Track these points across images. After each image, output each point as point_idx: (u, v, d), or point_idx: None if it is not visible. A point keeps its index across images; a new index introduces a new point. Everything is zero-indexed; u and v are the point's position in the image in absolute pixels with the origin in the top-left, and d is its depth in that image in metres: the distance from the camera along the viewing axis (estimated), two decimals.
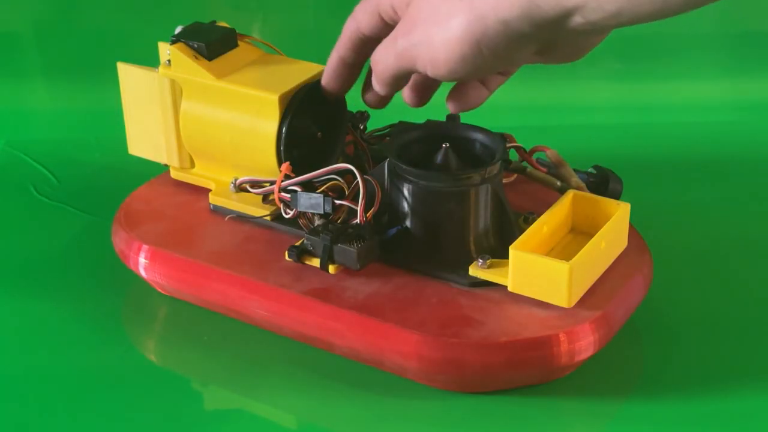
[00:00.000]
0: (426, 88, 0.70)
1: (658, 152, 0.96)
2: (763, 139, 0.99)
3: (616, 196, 0.75)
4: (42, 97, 1.02)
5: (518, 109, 1.00)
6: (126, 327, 0.76)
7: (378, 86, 0.67)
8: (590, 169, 0.77)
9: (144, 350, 0.75)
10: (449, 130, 0.73)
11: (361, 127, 0.80)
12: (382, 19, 0.67)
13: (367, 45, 0.69)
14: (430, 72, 0.62)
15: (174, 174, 0.81)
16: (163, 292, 0.77)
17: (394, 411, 0.67)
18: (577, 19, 0.57)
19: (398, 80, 0.66)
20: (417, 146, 0.72)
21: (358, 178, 0.69)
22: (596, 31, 0.59)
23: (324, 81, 0.72)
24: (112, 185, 0.87)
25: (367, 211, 0.69)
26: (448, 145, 0.70)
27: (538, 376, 0.67)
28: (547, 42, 0.61)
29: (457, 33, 0.59)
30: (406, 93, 0.70)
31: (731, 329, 0.74)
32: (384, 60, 0.65)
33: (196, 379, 0.72)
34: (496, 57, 0.60)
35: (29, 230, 0.87)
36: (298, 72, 0.75)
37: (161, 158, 0.81)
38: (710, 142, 0.98)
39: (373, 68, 0.67)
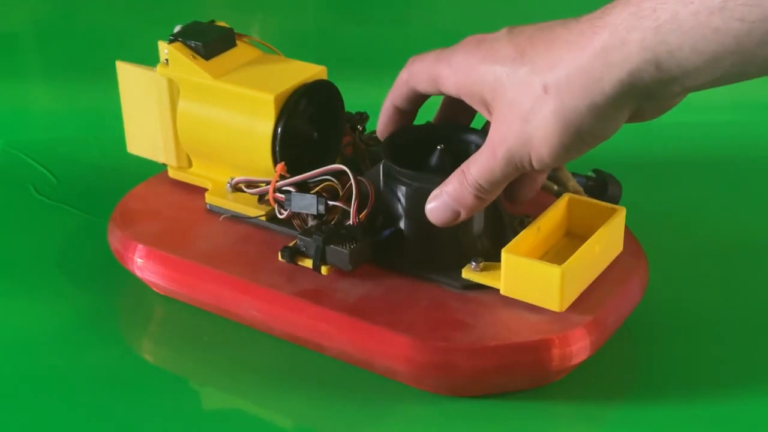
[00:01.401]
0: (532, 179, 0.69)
1: (658, 152, 0.96)
2: (763, 139, 0.98)
3: (615, 200, 0.75)
4: (42, 97, 1.03)
5: None
6: (122, 326, 0.76)
7: (473, 201, 0.64)
8: (589, 173, 0.77)
9: (139, 350, 0.75)
10: (445, 132, 0.73)
11: (360, 129, 0.80)
12: (439, 90, 0.66)
13: (419, 99, 0.69)
14: (537, 168, 0.61)
15: (171, 173, 0.81)
16: (158, 291, 0.77)
17: (385, 413, 0.67)
18: (678, 87, 0.56)
19: (499, 188, 0.64)
20: (412, 148, 0.72)
21: (351, 180, 0.69)
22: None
23: (380, 132, 0.72)
24: (112, 185, 0.87)
25: (361, 213, 0.69)
26: (442, 146, 0.70)
27: (529, 380, 0.67)
28: (640, 109, 0.60)
29: (554, 128, 0.58)
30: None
31: (728, 333, 0.73)
32: (487, 169, 0.62)
33: (191, 378, 0.72)
34: (596, 137, 0.59)
35: (29, 230, 0.87)
36: (295, 72, 0.75)
37: (159, 157, 0.81)
38: (710, 142, 0.98)
39: (470, 181, 0.63)
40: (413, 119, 0.72)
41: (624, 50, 0.55)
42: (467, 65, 0.63)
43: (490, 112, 0.63)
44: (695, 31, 0.53)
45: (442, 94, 0.67)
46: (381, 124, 0.72)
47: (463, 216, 0.65)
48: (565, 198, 0.70)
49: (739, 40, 0.52)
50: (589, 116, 0.57)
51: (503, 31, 0.62)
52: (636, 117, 0.61)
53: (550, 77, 0.57)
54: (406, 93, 0.69)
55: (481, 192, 0.64)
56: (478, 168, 0.63)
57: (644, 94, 0.56)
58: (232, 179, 0.76)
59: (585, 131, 0.58)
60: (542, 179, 0.70)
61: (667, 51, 0.54)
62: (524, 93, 0.59)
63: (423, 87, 0.67)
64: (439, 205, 0.65)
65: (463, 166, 0.64)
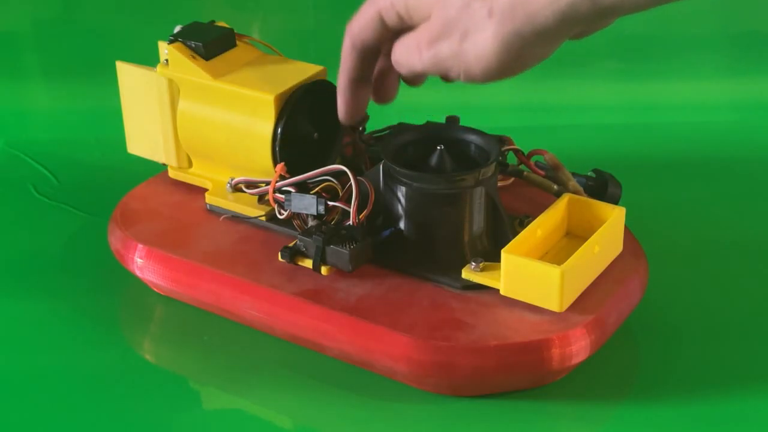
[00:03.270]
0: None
1: (658, 152, 0.96)
2: (763, 139, 0.98)
3: (615, 200, 0.75)
4: (42, 97, 1.03)
5: (517, 109, 1.00)
6: (122, 326, 0.76)
7: (404, 80, 0.68)
8: (589, 173, 0.77)
9: (139, 350, 0.75)
10: (445, 132, 0.73)
11: (360, 129, 0.80)
12: (385, 25, 0.66)
13: (372, 56, 0.68)
14: (463, 80, 0.63)
15: (172, 173, 0.81)
16: (158, 291, 0.77)
17: (386, 413, 0.67)
18: (614, 16, 0.58)
19: (423, 79, 0.67)
20: (412, 148, 0.72)
21: (351, 180, 0.69)
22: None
23: (341, 114, 0.70)
24: (112, 185, 0.87)
25: (361, 213, 0.69)
26: (442, 147, 0.70)
27: (529, 380, 0.67)
28: (578, 33, 0.63)
29: (493, 47, 0.60)
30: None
31: (729, 332, 0.73)
32: (408, 64, 0.64)
33: (191, 378, 0.72)
34: (533, 58, 0.61)
35: (29, 230, 0.87)
36: (295, 72, 0.76)
37: (159, 157, 0.81)
38: (710, 142, 0.98)
39: (396, 68, 0.66)
40: (371, 89, 0.70)
41: None
42: None
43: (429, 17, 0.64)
44: None
45: (384, 32, 0.66)
46: (342, 107, 0.70)
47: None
48: (565, 198, 0.70)
49: None
50: (532, 41, 0.59)
51: None
52: (575, 37, 0.63)
53: (496, 3, 0.59)
54: (355, 55, 0.67)
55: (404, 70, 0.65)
56: (399, 57, 0.64)
57: (582, 22, 0.58)
58: (232, 179, 0.76)
59: (526, 54, 0.60)
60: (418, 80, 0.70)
61: None
62: (467, 14, 0.60)
63: (368, 33, 0.66)
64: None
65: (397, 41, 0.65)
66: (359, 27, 0.66)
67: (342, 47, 0.68)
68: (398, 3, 0.64)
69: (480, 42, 0.60)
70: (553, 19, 0.58)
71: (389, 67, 0.68)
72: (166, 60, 0.77)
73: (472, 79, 0.62)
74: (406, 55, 0.64)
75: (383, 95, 0.70)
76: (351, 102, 0.69)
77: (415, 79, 0.68)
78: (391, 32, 0.66)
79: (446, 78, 0.64)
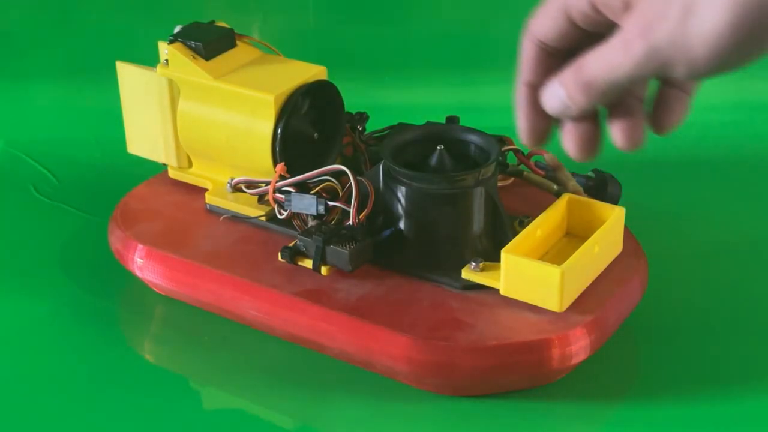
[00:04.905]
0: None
1: (657, 152, 0.96)
2: (763, 139, 0.98)
3: (615, 200, 0.75)
4: (42, 97, 1.03)
5: None
6: (122, 326, 0.76)
7: (583, 98, 0.53)
8: (589, 173, 0.77)
9: (139, 350, 0.75)
10: (444, 132, 0.73)
11: (360, 129, 0.80)
12: (572, 23, 0.54)
13: (555, 60, 0.56)
14: (685, 74, 0.50)
15: (172, 173, 0.81)
16: (158, 291, 0.77)
17: (386, 413, 0.67)
18: None
19: (621, 91, 0.53)
20: (412, 148, 0.72)
21: (351, 180, 0.69)
22: None
23: (524, 135, 0.58)
24: (112, 185, 0.87)
25: (361, 213, 0.69)
26: (442, 147, 0.70)
27: (529, 379, 0.67)
28: None
29: (726, 20, 0.47)
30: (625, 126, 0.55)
31: (728, 332, 0.73)
32: (609, 71, 0.51)
33: (191, 378, 0.72)
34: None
35: (29, 230, 0.87)
36: (295, 73, 0.75)
37: (159, 157, 0.81)
38: (710, 142, 0.98)
39: (584, 78, 0.53)
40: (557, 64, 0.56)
41: None
42: None
43: (627, 6, 0.51)
44: None
45: (572, 30, 0.54)
46: (522, 124, 0.57)
47: (573, 111, 0.54)
48: (565, 198, 0.70)
49: None
50: None
51: None
52: None
53: None
54: (538, 58, 0.56)
55: (592, 92, 0.53)
56: (602, 62, 0.52)
57: None
58: (232, 179, 0.76)
59: (762, 25, 0.47)
60: (690, 99, 0.56)
61: None
62: None
63: (553, 31, 0.54)
64: (549, 95, 0.55)
65: (581, 58, 0.53)
66: (542, 23, 0.55)
67: (522, 48, 0.57)
68: None
69: (708, 17, 0.47)
70: None
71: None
72: (166, 60, 0.77)
73: (697, 71, 0.49)
74: (605, 60, 0.52)
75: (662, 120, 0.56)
76: (531, 116, 0.57)
77: (599, 97, 0.53)
78: (580, 32, 0.54)
79: (664, 77, 0.53)
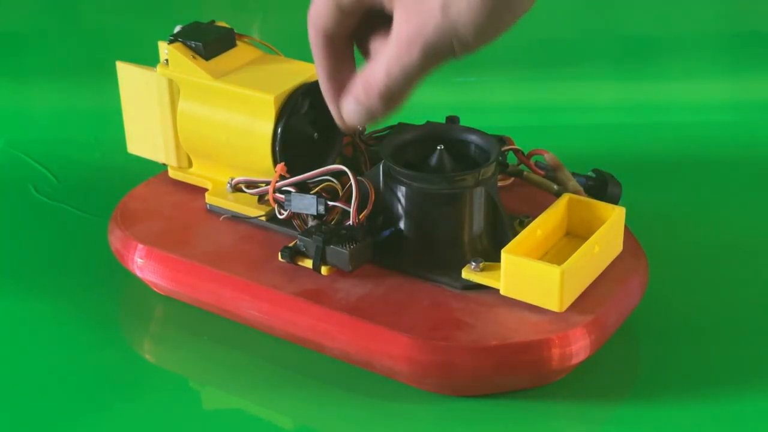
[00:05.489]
0: None
1: (658, 152, 0.96)
2: (763, 139, 0.98)
3: (615, 200, 0.75)
4: (42, 97, 1.03)
5: (517, 109, 1.00)
6: (122, 326, 0.76)
7: (381, 106, 0.59)
8: (589, 173, 0.77)
9: (139, 350, 0.75)
10: (444, 132, 0.73)
11: (360, 129, 0.80)
12: (347, 12, 0.60)
13: (344, 46, 0.62)
14: (460, 52, 0.57)
15: (172, 173, 0.81)
16: (158, 291, 0.77)
17: (386, 413, 0.67)
18: None
19: (413, 87, 0.59)
20: (412, 148, 0.72)
21: (351, 180, 0.69)
22: None
23: (340, 122, 0.63)
24: (112, 185, 0.87)
25: (361, 213, 0.69)
26: (442, 147, 0.70)
27: (529, 380, 0.67)
28: None
29: (480, 6, 0.54)
30: None
31: (728, 333, 0.73)
32: (397, 74, 0.57)
33: (191, 378, 0.72)
34: (523, 5, 0.56)
35: (29, 230, 0.87)
36: (295, 73, 0.76)
37: (159, 157, 0.81)
38: (710, 142, 0.98)
39: (375, 90, 0.59)
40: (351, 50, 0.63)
41: None
42: None
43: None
44: None
45: (348, 17, 0.60)
46: (334, 108, 0.63)
47: (379, 117, 0.60)
48: (565, 198, 0.70)
49: None
50: None
51: None
52: None
53: None
54: (327, 48, 0.61)
55: (387, 100, 0.59)
56: (388, 72, 0.58)
57: None
58: (232, 179, 0.76)
59: (513, 5, 0.55)
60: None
61: None
62: None
63: (329, 22, 0.60)
64: (348, 112, 0.61)
65: (366, 70, 0.58)
66: (318, 14, 0.60)
67: (309, 40, 0.62)
68: None
69: (463, 5, 0.54)
70: None
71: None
72: (166, 60, 0.77)
73: (467, 47, 0.56)
74: (390, 69, 0.58)
75: None
76: (338, 90, 0.63)
77: (406, 91, 0.59)
78: (356, 18, 0.60)
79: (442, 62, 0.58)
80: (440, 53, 0.57)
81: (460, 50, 0.57)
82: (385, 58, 0.58)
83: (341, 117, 0.63)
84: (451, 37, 0.56)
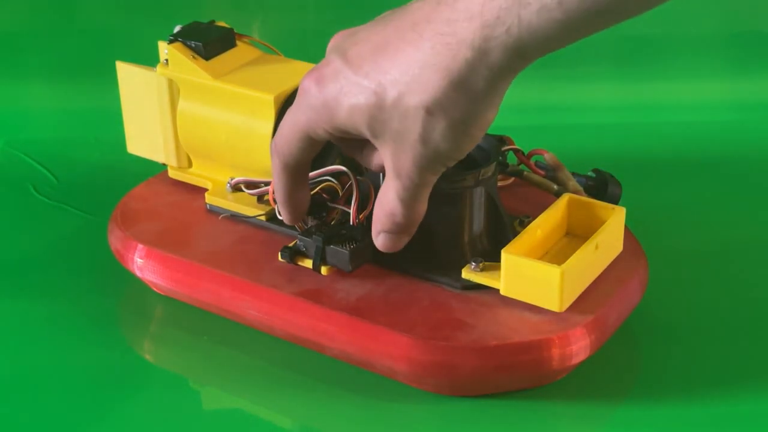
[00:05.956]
0: None
1: (658, 152, 0.96)
2: (763, 139, 0.98)
3: (615, 200, 0.75)
4: (42, 97, 1.03)
5: (517, 109, 1.00)
6: (122, 326, 0.76)
7: (408, 225, 0.63)
8: (589, 173, 0.77)
9: (139, 350, 0.75)
10: None
11: None
12: (317, 141, 0.63)
13: (305, 168, 0.66)
14: (452, 163, 0.61)
15: (172, 173, 0.81)
16: (158, 291, 0.77)
17: (386, 413, 0.67)
18: (541, 55, 0.57)
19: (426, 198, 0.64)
20: None
21: (352, 180, 0.69)
22: None
23: (288, 222, 0.68)
24: (112, 185, 0.87)
25: (361, 213, 0.69)
26: None
27: (530, 380, 0.67)
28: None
29: (454, 138, 0.58)
30: None
31: (728, 333, 0.73)
32: (407, 200, 0.62)
33: (191, 378, 0.72)
34: (490, 120, 0.59)
35: (29, 230, 0.87)
36: (295, 73, 0.76)
37: (159, 157, 0.81)
38: (710, 142, 0.98)
39: (394, 220, 0.62)
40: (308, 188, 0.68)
41: (488, 60, 0.56)
42: (327, 109, 0.60)
43: (375, 139, 0.61)
44: (541, 26, 0.55)
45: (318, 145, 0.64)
46: (290, 216, 0.68)
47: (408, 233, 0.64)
48: (565, 198, 0.70)
49: (581, 15, 0.54)
50: (479, 115, 0.58)
51: (336, 60, 0.61)
52: None
53: (429, 100, 0.57)
54: (291, 174, 0.65)
55: (410, 223, 0.63)
56: (399, 193, 0.62)
57: (516, 72, 0.57)
58: (231, 179, 0.76)
59: (481, 124, 0.59)
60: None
61: (525, 45, 0.55)
62: (409, 121, 0.58)
63: (300, 154, 0.64)
64: (387, 243, 0.64)
65: (382, 202, 0.62)
66: (287, 145, 0.64)
67: (272, 164, 0.65)
68: (323, 124, 0.61)
69: (437, 136, 0.58)
70: (488, 88, 0.57)
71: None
72: (166, 60, 0.77)
73: (456, 160, 0.60)
74: (397, 202, 0.62)
75: None
76: (295, 209, 0.67)
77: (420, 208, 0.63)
78: (319, 146, 0.64)
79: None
80: (435, 170, 0.61)
81: (451, 163, 0.61)
82: (392, 189, 0.62)
83: (294, 219, 0.68)
84: (437, 159, 0.60)
